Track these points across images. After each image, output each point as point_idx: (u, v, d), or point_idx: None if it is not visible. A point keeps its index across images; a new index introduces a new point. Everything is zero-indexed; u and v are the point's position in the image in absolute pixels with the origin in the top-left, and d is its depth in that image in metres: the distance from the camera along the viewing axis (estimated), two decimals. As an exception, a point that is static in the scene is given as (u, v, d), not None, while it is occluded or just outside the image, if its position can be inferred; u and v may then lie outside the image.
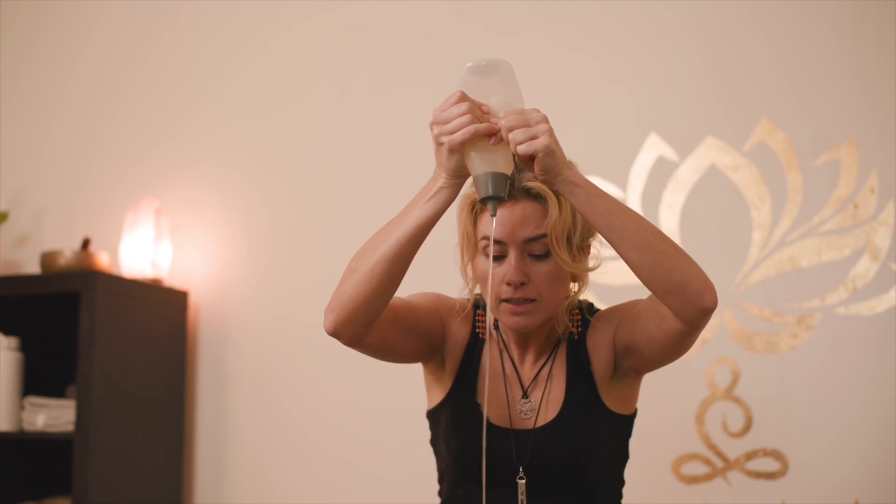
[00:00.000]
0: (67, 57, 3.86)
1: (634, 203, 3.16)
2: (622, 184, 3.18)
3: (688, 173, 3.14)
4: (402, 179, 3.37)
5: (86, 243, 3.40)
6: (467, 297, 1.95)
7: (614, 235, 1.63)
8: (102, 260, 3.37)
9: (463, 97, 1.58)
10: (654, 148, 3.17)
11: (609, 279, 3.02)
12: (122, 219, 3.54)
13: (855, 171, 3.02)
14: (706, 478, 3.04)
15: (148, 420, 3.32)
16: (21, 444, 3.40)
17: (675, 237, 3.11)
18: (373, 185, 3.43)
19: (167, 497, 3.37)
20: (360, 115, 3.47)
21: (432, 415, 1.96)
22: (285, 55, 3.59)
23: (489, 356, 1.91)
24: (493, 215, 1.61)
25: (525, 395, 1.89)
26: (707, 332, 3.06)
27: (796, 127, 3.08)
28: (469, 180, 1.65)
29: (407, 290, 1.91)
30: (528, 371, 1.91)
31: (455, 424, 1.89)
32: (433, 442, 1.98)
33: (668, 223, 3.13)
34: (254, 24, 3.63)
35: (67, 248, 3.44)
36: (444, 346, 1.92)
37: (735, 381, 3.05)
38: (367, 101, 3.47)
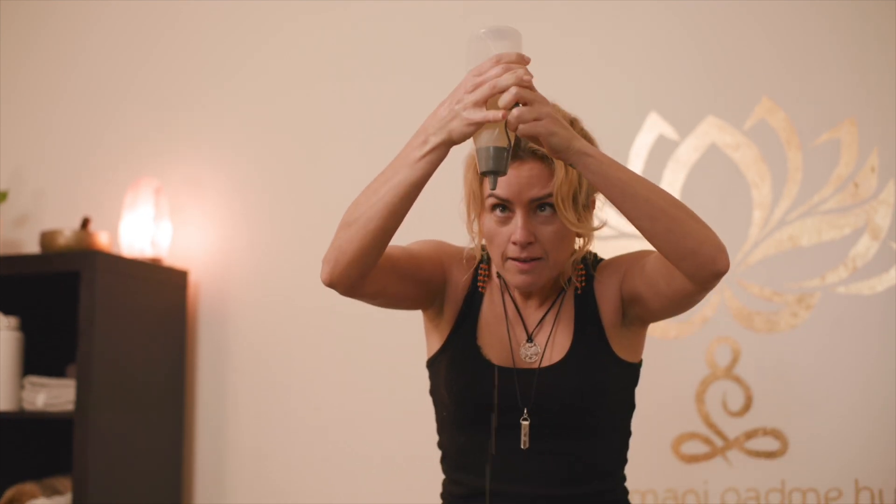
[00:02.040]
0: (70, 39, 3.85)
1: (635, 182, 3.15)
2: (622, 162, 3.16)
3: (688, 152, 3.14)
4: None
5: (85, 223, 3.40)
6: (473, 247, 1.94)
7: (627, 204, 1.64)
8: (102, 239, 3.36)
9: (498, 58, 1.57)
10: (654, 127, 3.17)
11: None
12: (121, 198, 3.54)
13: (855, 150, 3.01)
14: (706, 457, 3.05)
15: (148, 399, 3.32)
16: (21, 424, 3.40)
17: (676, 216, 3.11)
18: (371, 168, 3.40)
19: (167, 476, 3.38)
20: (360, 101, 3.47)
21: (432, 363, 1.95)
22: (287, 40, 3.58)
23: (491, 302, 1.91)
24: (493, 189, 1.63)
25: (530, 338, 1.89)
26: (707, 311, 3.06)
27: (797, 106, 3.07)
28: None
29: (410, 239, 1.92)
30: (532, 315, 1.91)
31: (455, 368, 1.88)
32: (433, 392, 1.97)
33: (669, 202, 3.13)
34: (257, 10, 3.62)
35: (67, 228, 3.44)
36: (444, 292, 1.93)
37: (735, 360, 3.05)
38: (367, 87, 3.46)
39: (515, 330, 1.90)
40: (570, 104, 3.20)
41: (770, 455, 3.00)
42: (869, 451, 2.94)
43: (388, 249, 1.75)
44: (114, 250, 3.47)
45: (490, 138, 1.59)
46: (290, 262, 3.46)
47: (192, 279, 3.53)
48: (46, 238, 3.33)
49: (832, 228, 3.01)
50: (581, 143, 1.61)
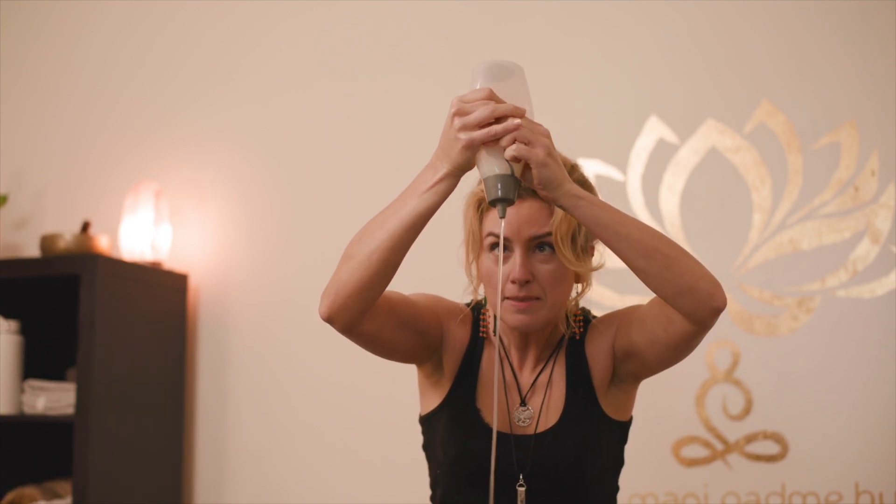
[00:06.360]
0: (69, 40, 3.85)
1: (635, 185, 3.15)
2: (622, 166, 3.17)
3: (688, 156, 3.14)
4: (400, 164, 3.37)
5: (85, 226, 3.40)
6: (469, 300, 1.94)
7: (621, 244, 1.63)
8: (102, 243, 3.36)
9: (491, 95, 1.55)
10: (654, 130, 3.17)
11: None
12: (121, 201, 3.53)
13: (855, 153, 3.01)
14: (706, 460, 3.05)
15: (148, 403, 3.32)
16: (21, 427, 3.40)
17: (676, 220, 3.11)
18: (372, 168, 3.42)
19: (167, 479, 3.38)
20: (360, 101, 3.46)
21: (427, 420, 1.95)
22: (288, 41, 3.58)
23: (490, 362, 1.90)
24: (502, 217, 1.60)
25: (523, 402, 1.89)
26: (707, 315, 3.06)
27: (797, 109, 3.07)
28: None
29: (410, 290, 1.91)
30: (526, 377, 1.90)
31: (453, 429, 1.87)
32: (426, 448, 1.96)
33: (669, 205, 3.13)
34: (255, 11, 3.61)
35: (67, 231, 3.44)
36: (441, 347, 1.91)
37: (735, 363, 3.05)
38: (366, 86, 3.46)
39: (511, 393, 1.89)
40: (571, 105, 3.22)
41: (770, 458, 3.00)
42: (869, 455, 2.94)
43: (386, 293, 1.74)
44: (114, 254, 3.48)
45: (494, 166, 1.57)
46: (290, 265, 3.46)
47: (193, 283, 3.53)
48: (46, 241, 3.33)
49: (832, 232, 3.01)
50: (573, 187, 1.60)
